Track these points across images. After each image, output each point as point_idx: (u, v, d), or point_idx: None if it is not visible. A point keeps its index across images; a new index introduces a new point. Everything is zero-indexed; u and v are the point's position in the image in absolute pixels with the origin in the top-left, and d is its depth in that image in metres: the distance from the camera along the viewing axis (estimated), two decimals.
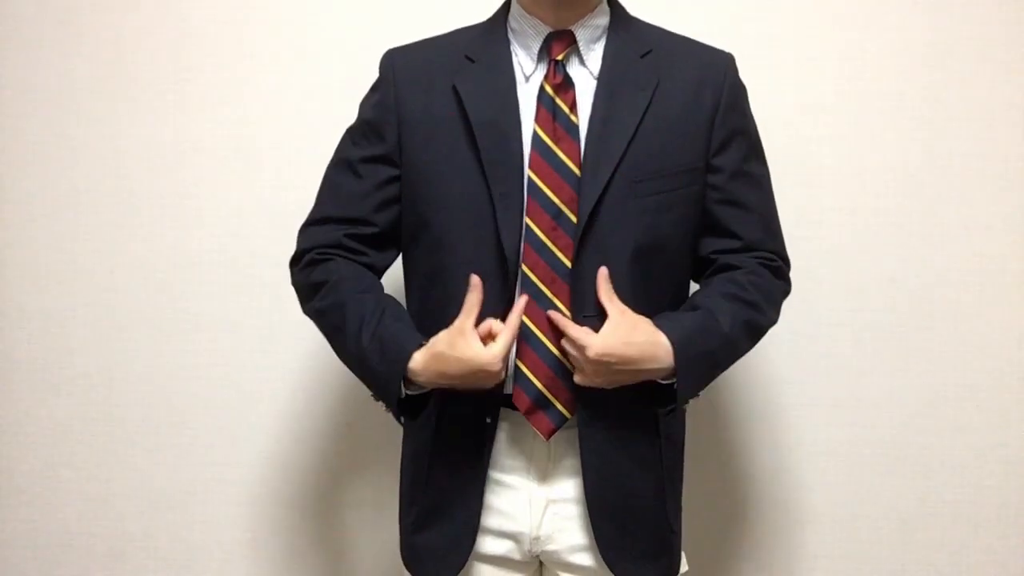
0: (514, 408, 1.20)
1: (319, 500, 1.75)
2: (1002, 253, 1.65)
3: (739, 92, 1.28)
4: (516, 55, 1.24)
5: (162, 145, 1.71)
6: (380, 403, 1.22)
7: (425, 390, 1.20)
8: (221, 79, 1.70)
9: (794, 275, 1.33)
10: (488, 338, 1.15)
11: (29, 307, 1.74)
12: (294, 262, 1.30)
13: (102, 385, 1.74)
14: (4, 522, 1.78)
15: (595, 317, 1.17)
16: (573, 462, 1.22)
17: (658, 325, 1.16)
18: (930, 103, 1.64)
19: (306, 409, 1.74)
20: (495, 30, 1.26)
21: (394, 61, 1.28)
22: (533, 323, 1.17)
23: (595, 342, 1.13)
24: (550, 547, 1.25)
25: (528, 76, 1.23)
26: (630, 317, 1.16)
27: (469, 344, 1.13)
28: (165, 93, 1.70)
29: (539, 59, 1.22)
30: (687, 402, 1.24)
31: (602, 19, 1.25)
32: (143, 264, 1.72)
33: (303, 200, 1.32)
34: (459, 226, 1.21)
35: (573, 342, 1.14)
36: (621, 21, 1.26)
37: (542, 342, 1.18)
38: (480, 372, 1.13)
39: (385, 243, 1.29)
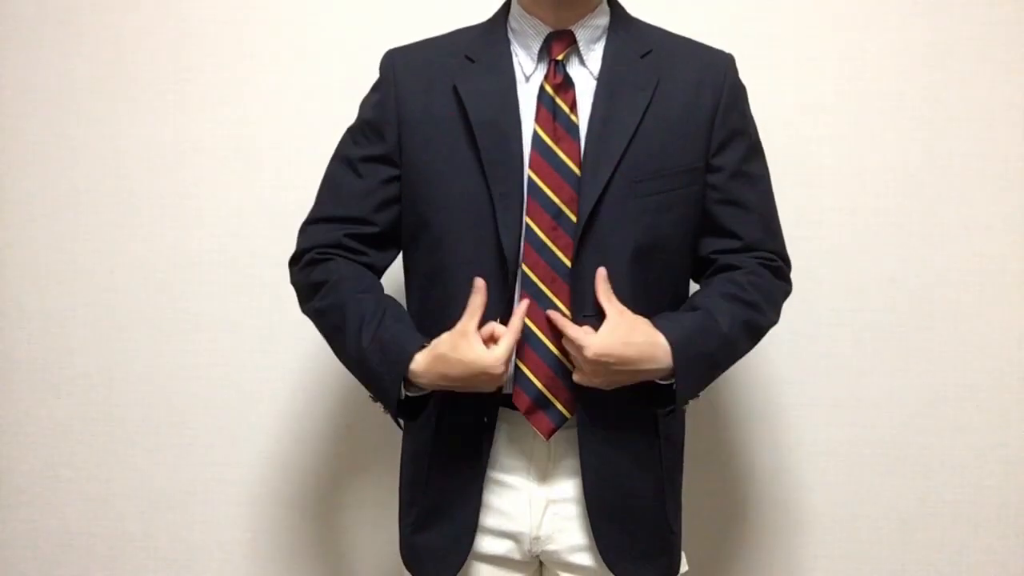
0: (514, 408, 1.20)
1: (319, 500, 1.75)
2: (1002, 253, 1.65)
3: (739, 92, 1.28)
4: (516, 55, 1.24)
5: (162, 145, 1.71)
6: (379, 405, 1.22)
7: (425, 392, 1.20)
8: (221, 79, 1.70)
9: (794, 275, 1.33)
10: (490, 341, 1.15)
11: (29, 307, 1.74)
12: (294, 261, 1.30)
13: (102, 385, 1.74)
14: (4, 522, 1.78)
15: (595, 317, 1.17)
16: (573, 462, 1.22)
17: (657, 326, 1.16)
18: (930, 103, 1.64)
19: (306, 409, 1.74)
20: (495, 30, 1.26)
21: (394, 61, 1.28)
22: (533, 323, 1.17)
23: (593, 342, 1.13)
24: (550, 547, 1.25)
25: (528, 76, 1.23)
26: (628, 317, 1.16)
27: (472, 347, 1.13)
28: (165, 93, 1.70)
29: (539, 59, 1.22)
30: (686, 403, 1.24)
31: (602, 19, 1.25)
32: (143, 264, 1.72)
33: (303, 200, 1.32)
34: (459, 226, 1.21)
35: (572, 342, 1.14)
36: (621, 21, 1.26)
37: (542, 342, 1.18)
38: (482, 375, 1.13)
39: (385, 243, 1.29)
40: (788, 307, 1.32)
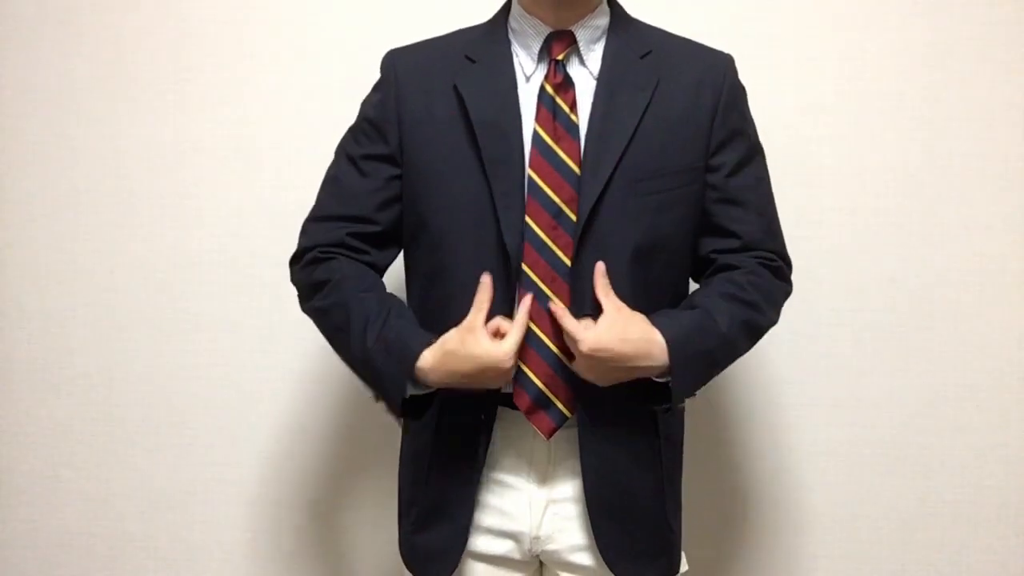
0: (514, 408, 1.20)
1: (319, 500, 1.76)
2: (1002, 253, 1.65)
3: (738, 93, 1.28)
4: (517, 55, 1.24)
5: (162, 145, 1.71)
6: (380, 404, 1.22)
7: (429, 391, 1.20)
8: (221, 79, 1.70)
9: (794, 275, 1.33)
10: (496, 336, 1.15)
11: (29, 307, 1.74)
12: (295, 260, 1.30)
13: (102, 385, 1.75)
14: (4, 522, 1.78)
15: (594, 315, 1.17)
16: (573, 462, 1.22)
17: (654, 323, 1.16)
18: (930, 103, 1.64)
19: (306, 409, 1.74)
20: (496, 31, 1.27)
21: (395, 61, 1.28)
22: (534, 322, 1.17)
23: (588, 337, 1.12)
24: (550, 547, 1.25)
25: (529, 76, 1.23)
26: (626, 313, 1.16)
27: (480, 342, 1.13)
28: (165, 93, 1.70)
29: (539, 59, 1.23)
30: (683, 401, 1.24)
31: (602, 20, 1.25)
32: (143, 264, 1.72)
33: (303, 200, 1.32)
34: (459, 226, 1.21)
35: (568, 334, 1.14)
36: (621, 22, 1.26)
37: (542, 341, 1.18)
38: (491, 370, 1.13)
39: (387, 242, 1.29)
40: (788, 307, 1.31)
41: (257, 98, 1.69)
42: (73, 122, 1.71)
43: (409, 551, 1.30)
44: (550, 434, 1.20)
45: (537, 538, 1.24)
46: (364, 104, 1.31)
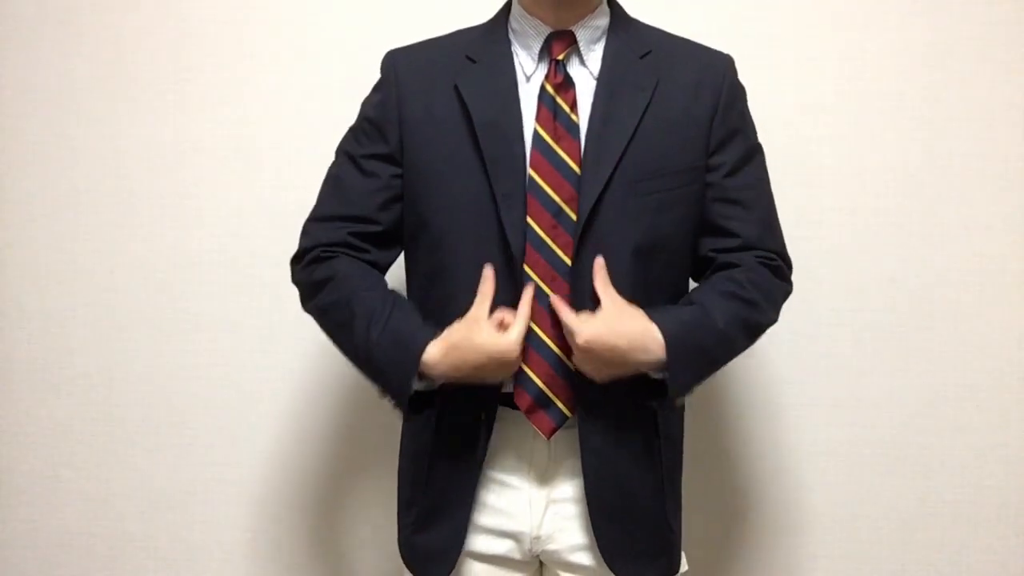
0: (514, 407, 1.20)
1: (319, 500, 1.75)
2: (1002, 253, 1.65)
3: (738, 93, 1.28)
4: (517, 55, 1.24)
5: (162, 145, 1.71)
6: (385, 400, 1.21)
7: (433, 387, 1.19)
8: (221, 79, 1.70)
9: (794, 275, 1.33)
10: (500, 328, 1.14)
11: (29, 307, 1.74)
12: (296, 260, 1.30)
13: (102, 385, 1.75)
14: (4, 522, 1.78)
15: (594, 310, 1.16)
16: (573, 462, 1.22)
17: (651, 317, 1.16)
18: (930, 103, 1.64)
19: (306, 409, 1.74)
20: (496, 31, 1.27)
21: (396, 61, 1.28)
22: (534, 321, 1.17)
23: (584, 329, 1.12)
24: (550, 547, 1.25)
25: (529, 76, 1.23)
26: (623, 307, 1.16)
27: (485, 332, 1.13)
28: (165, 93, 1.70)
29: (540, 59, 1.23)
30: (680, 396, 1.23)
31: (602, 20, 1.25)
32: (143, 264, 1.72)
33: (303, 200, 1.32)
34: (459, 226, 1.21)
35: (565, 327, 1.14)
36: (621, 22, 1.27)
37: (543, 340, 1.18)
38: (498, 360, 1.13)
39: (388, 242, 1.29)
40: (788, 307, 1.31)
41: (257, 98, 1.69)
42: (73, 122, 1.71)
43: (409, 551, 1.30)
44: (550, 434, 1.20)
45: (537, 538, 1.24)
46: (364, 104, 1.31)
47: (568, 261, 1.18)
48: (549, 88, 1.20)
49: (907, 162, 1.65)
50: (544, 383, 1.18)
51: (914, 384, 1.67)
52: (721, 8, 1.64)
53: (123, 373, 1.74)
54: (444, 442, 1.24)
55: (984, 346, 1.66)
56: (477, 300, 1.16)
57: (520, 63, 1.24)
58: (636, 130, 1.19)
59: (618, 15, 1.27)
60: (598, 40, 1.24)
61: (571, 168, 1.18)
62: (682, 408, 1.33)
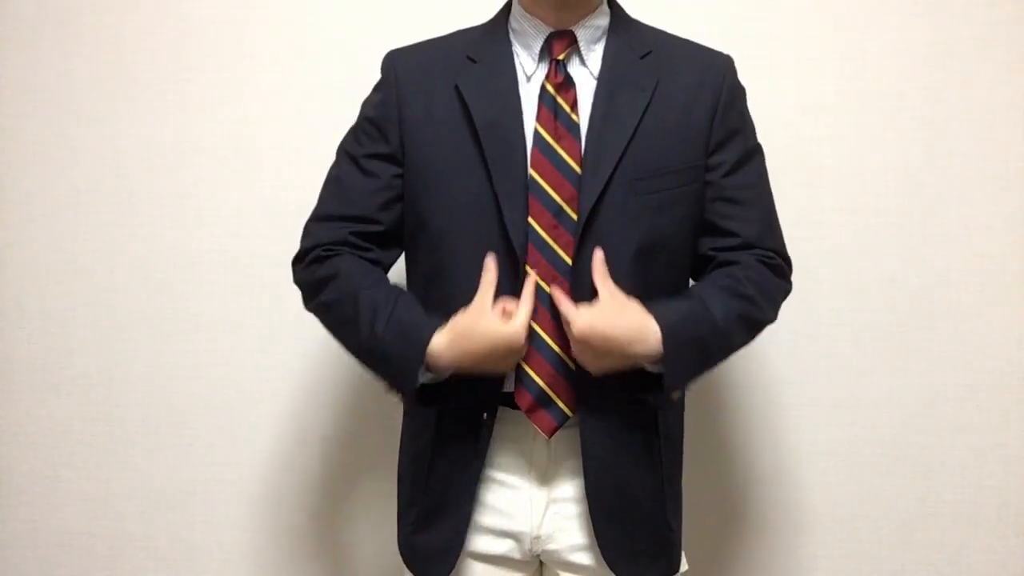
0: (514, 407, 1.20)
1: (319, 500, 1.75)
2: (1002, 253, 1.65)
3: (737, 93, 1.28)
4: (517, 55, 1.24)
5: (162, 145, 1.71)
6: (390, 396, 1.21)
7: (439, 379, 1.19)
8: (221, 79, 1.70)
9: (794, 275, 1.33)
10: (504, 317, 1.14)
11: (29, 307, 1.74)
12: (297, 260, 1.30)
13: (102, 385, 1.74)
14: (4, 522, 1.78)
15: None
16: (573, 462, 1.22)
17: (649, 310, 1.16)
18: (930, 103, 1.64)
19: (306, 409, 1.74)
20: (496, 30, 1.27)
21: (396, 62, 1.28)
22: (535, 321, 1.17)
23: (581, 319, 1.12)
24: (551, 546, 1.25)
25: (529, 76, 1.23)
26: (620, 299, 1.16)
27: (490, 320, 1.13)
28: (165, 93, 1.70)
29: (540, 59, 1.23)
30: (677, 390, 1.23)
31: (602, 20, 1.25)
32: (143, 264, 1.72)
33: (303, 200, 1.32)
34: (459, 226, 1.21)
35: (563, 318, 1.14)
36: (621, 22, 1.27)
37: (544, 340, 1.18)
38: (504, 348, 1.13)
39: (389, 241, 1.29)
40: (788, 307, 1.31)
41: (257, 98, 1.69)
42: (73, 122, 1.71)
43: (409, 551, 1.30)
44: (551, 433, 1.20)
45: (537, 538, 1.24)
46: (365, 104, 1.31)
47: (569, 260, 1.18)
48: (550, 88, 1.20)
49: (907, 162, 1.65)
50: (545, 382, 1.18)
51: (914, 384, 1.67)
52: (721, 8, 1.64)
53: (123, 373, 1.74)
54: (444, 442, 1.24)
55: (984, 346, 1.66)
56: (480, 290, 1.16)
57: (520, 63, 1.24)
58: (636, 130, 1.19)
59: (618, 15, 1.27)
60: (598, 40, 1.24)
61: (572, 168, 1.18)
62: (682, 408, 1.33)
